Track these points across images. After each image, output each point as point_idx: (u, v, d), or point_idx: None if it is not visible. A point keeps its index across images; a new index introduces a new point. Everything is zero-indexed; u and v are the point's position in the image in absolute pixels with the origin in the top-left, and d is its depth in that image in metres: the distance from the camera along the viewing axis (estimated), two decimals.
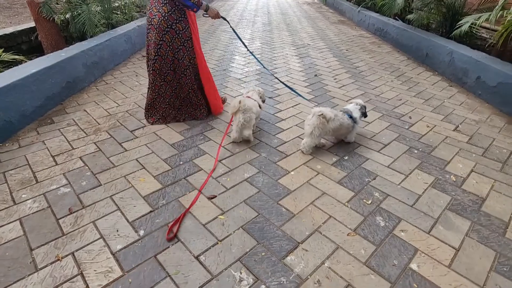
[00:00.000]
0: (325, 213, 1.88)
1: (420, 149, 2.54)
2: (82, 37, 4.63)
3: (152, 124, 2.82)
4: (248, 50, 3.19)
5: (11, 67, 3.18)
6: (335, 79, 4.08)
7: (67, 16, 4.45)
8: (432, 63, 4.55)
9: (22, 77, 2.72)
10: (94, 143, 2.53)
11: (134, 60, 4.68)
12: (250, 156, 2.40)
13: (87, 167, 2.23)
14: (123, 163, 2.29)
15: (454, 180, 2.19)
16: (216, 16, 2.60)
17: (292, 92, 3.09)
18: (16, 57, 3.50)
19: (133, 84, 3.76)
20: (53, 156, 2.35)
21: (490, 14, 3.49)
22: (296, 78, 4.02)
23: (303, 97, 3.07)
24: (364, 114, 2.59)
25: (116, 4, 5.74)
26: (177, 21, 2.45)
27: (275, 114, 3.07)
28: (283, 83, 3.22)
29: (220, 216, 1.84)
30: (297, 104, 3.29)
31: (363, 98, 3.44)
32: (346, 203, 1.96)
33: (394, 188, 2.10)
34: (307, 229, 1.77)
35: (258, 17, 8.78)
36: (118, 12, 5.87)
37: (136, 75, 4.05)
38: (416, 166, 2.32)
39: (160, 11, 2.41)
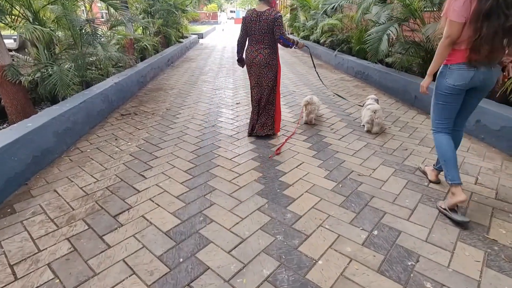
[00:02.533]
0: None
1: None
2: (54, 98, 4.22)
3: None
4: (317, 73, 4.75)
5: None
6: (332, 129, 3.87)
7: (36, 76, 4.07)
8: (423, 106, 4.51)
9: None
10: (67, 239, 2.02)
11: (112, 120, 4.26)
12: (264, 241, 1.99)
13: (57, 280, 1.71)
14: (106, 268, 1.79)
15: (508, 254, 1.88)
16: (302, 46, 3.46)
17: (343, 99, 4.70)
18: None
19: (112, 150, 3.32)
20: (11, 266, 1.81)
21: None
22: (291, 131, 3.77)
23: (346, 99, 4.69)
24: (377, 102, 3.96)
25: (91, 59, 5.42)
26: (273, 59, 3.37)
27: (279, 178, 2.73)
28: (340, 95, 4.89)
29: None
30: (301, 164, 2.98)
31: (367, 150, 3.23)
32: None
33: (445, 273, 1.75)
34: None
35: (236, 64, 8.79)
36: (93, 68, 5.54)
37: (116, 139, 3.61)
38: (457, 238, 2.01)
39: (261, 52, 3.31)
